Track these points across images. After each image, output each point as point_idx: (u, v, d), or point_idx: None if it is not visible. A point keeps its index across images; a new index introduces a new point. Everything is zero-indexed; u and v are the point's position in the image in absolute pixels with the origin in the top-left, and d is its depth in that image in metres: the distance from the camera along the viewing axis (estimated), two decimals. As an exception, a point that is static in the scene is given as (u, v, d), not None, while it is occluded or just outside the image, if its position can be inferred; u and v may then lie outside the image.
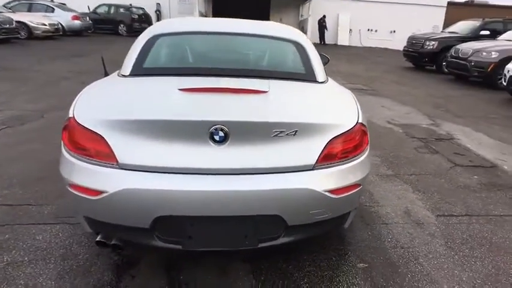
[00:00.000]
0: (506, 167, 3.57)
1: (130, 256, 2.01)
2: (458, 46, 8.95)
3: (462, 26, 11.05)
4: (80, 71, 7.95)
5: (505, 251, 2.21)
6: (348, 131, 1.69)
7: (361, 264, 2.04)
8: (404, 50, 11.89)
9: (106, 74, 2.33)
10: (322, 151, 1.61)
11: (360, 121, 1.77)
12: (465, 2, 29.67)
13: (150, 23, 19.68)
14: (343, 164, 1.69)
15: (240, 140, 1.53)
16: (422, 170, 3.41)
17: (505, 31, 9.77)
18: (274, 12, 22.09)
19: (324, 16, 19.19)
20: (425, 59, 10.61)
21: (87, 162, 1.57)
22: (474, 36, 9.99)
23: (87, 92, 1.93)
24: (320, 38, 19.60)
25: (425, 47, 10.50)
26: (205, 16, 20.26)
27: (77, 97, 1.84)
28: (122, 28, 18.40)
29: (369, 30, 21.30)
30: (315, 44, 2.57)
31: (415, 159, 3.68)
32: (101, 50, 11.99)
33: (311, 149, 1.61)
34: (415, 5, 20.52)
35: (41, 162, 3.16)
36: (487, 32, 9.91)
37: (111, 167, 1.53)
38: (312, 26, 19.54)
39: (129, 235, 1.65)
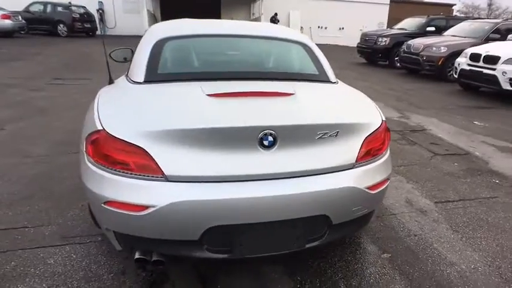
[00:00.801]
0: (478, 154, 4.00)
1: (156, 271, 1.95)
2: (410, 42, 9.72)
3: (409, 23, 12.01)
4: (25, 76, 7.34)
5: (502, 229, 2.51)
6: (377, 129, 1.81)
7: (385, 255, 2.18)
8: (358, 47, 12.60)
9: (111, 81, 2.22)
10: (359, 150, 1.72)
11: (383, 119, 1.91)
12: (403, -1, 32.04)
13: (93, 23, 18.61)
14: (376, 160, 1.81)
15: (287, 144, 1.57)
16: (408, 161, 3.70)
17: (447, 27, 10.81)
18: (225, 11, 22.08)
19: (276, 14, 19.63)
20: (379, 54, 11.36)
21: (128, 177, 1.50)
22: (421, 32, 10.91)
23: (107, 101, 1.83)
24: (273, 35, 19.96)
25: (379, 43, 11.25)
26: (154, 15, 19.62)
27: (97, 108, 1.74)
28: (61, 28, 17.13)
29: (319, 27, 22.20)
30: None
31: (398, 151, 3.97)
32: (42, 52, 11.12)
33: (351, 148, 1.70)
34: (361, 2, 21.83)
35: (19, 179, 2.91)
36: (433, 28, 10.89)
37: (157, 180, 1.48)
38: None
39: (175, 249, 1.61)
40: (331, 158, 1.65)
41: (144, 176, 1.49)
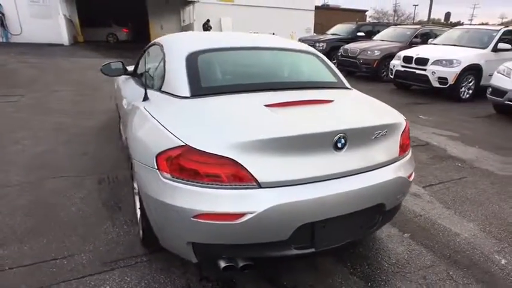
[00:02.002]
0: (435, 143, 4.77)
1: (222, 279, 2.07)
2: (346, 46, 10.78)
3: (341, 29, 13.25)
4: None
5: (480, 202, 3.13)
6: (405, 127, 2.21)
7: (406, 234, 2.60)
8: (296, 52, 13.45)
9: (146, 97, 2.26)
10: (399, 145, 2.09)
11: (405, 119, 2.32)
12: (322, 5, 34.90)
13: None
14: (408, 154, 2.20)
15: (353, 145, 1.85)
16: (385, 155, 4.26)
17: (373, 32, 12.23)
18: (153, 18, 21.54)
19: (208, 20, 19.80)
20: (318, 59, 12.30)
21: (221, 188, 1.62)
22: (353, 37, 12.14)
23: (169, 117, 1.90)
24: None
25: (316, 48, 12.15)
26: (71, 20, 18.27)
27: (160, 125, 1.83)
28: None
29: (251, 33, 22.97)
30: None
31: (372, 147, 4.54)
32: None
33: (394, 144, 2.06)
34: (289, 9, 23.18)
35: (13, 211, 2.69)
36: (363, 34, 12.20)
37: (252, 188, 1.63)
38: (198, 31, 19.91)
39: (263, 251, 1.76)
40: (384, 153, 1.99)
41: (237, 185, 1.63)
